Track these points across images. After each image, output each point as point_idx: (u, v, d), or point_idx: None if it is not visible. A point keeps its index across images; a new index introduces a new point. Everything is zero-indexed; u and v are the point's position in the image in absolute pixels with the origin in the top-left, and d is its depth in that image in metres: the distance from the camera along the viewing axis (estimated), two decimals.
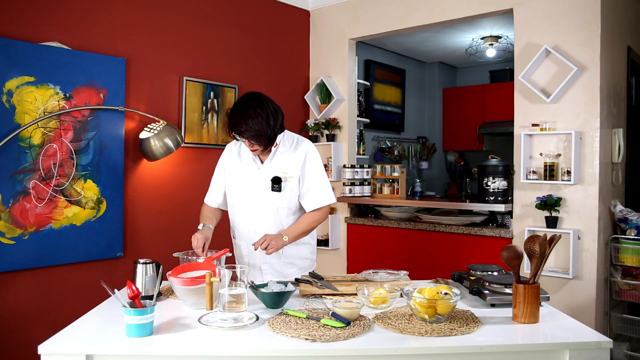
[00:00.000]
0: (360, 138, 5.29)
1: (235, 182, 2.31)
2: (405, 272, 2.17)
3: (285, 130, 2.31)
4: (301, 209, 2.33)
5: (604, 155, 3.18)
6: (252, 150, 2.20)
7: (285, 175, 2.24)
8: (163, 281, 2.08)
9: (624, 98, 3.67)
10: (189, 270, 1.90)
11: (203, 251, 2.09)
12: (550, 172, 3.18)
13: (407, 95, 6.63)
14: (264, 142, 2.15)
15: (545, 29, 3.28)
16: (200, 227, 2.24)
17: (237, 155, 2.34)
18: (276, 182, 2.22)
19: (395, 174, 4.17)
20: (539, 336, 1.59)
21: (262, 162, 2.28)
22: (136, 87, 3.30)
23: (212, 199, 2.40)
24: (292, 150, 2.28)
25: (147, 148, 3.19)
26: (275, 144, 2.23)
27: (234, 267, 1.66)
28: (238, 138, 2.17)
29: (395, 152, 6.24)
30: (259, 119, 2.08)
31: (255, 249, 2.12)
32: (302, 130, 4.46)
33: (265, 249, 2.09)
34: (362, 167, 4.28)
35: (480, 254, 3.47)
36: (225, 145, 2.46)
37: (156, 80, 3.42)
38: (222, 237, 2.56)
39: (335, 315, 1.59)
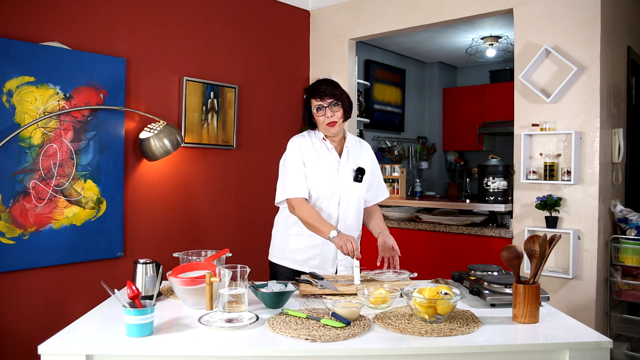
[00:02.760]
0: (361, 138, 5.29)
1: (321, 174, 2.30)
2: (409, 273, 2.18)
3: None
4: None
5: (604, 155, 3.18)
6: (330, 125, 2.24)
7: (362, 167, 2.37)
8: (163, 281, 2.08)
9: (624, 98, 3.67)
10: (189, 270, 1.90)
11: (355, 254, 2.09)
12: (550, 172, 3.18)
13: (407, 95, 6.63)
14: (346, 109, 2.27)
15: (545, 29, 3.28)
16: (334, 233, 2.10)
17: (311, 146, 2.33)
18: (361, 173, 2.34)
19: (395, 174, 4.17)
20: (539, 336, 1.59)
21: (339, 155, 2.36)
22: (136, 87, 3.30)
23: (301, 191, 2.25)
24: (359, 147, 2.44)
25: (147, 148, 3.19)
26: (346, 137, 2.38)
27: (234, 267, 1.66)
28: (316, 112, 2.25)
29: (395, 152, 6.24)
30: (339, 87, 2.29)
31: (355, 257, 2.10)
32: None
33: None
34: None
35: (480, 254, 3.47)
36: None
37: (156, 80, 3.42)
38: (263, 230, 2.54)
39: (335, 315, 1.59)
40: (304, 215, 2.20)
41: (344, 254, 2.10)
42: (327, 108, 2.23)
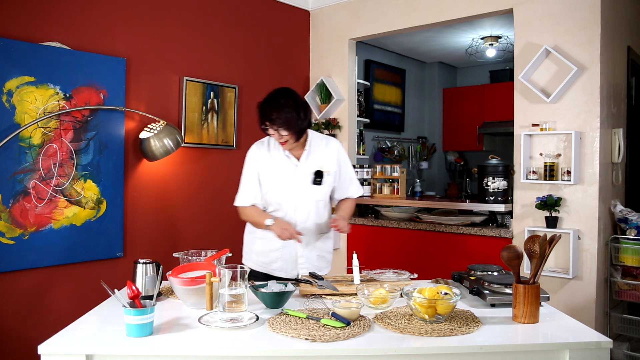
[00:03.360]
0: (360, 138, 5.29)
1: (274, 180, 2.35)
2: (410, 274, 2.17)
3: (312, 130, 2.43)
4: (329, 203, 2.47)
5: (604, 155, 3.18)
6: (281, 144, 2.25)
7: (322, 169, 2.36)
8: (163, 281, 2.08)
9: (624, 98, 3.67)
10: (189, 270, 1.90)
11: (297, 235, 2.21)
12: (550, 172, 3.18)
13: (407, 95, 6.63)
14: (295, 131, 2.22)
15: (545, 29, 3.28)
16: (270, 221, 2.26)
17: (267, 153, 2.38)
18: (319, 176, 2.33)
19: (395, 174, 4.17)
20: (539, 336, 1.59)
21: (297, 159, 2.35)
22: (136, 87, 3.30)
23: (248, 199, 2.38)
24: (325, 147, 2.40)
25: (147, 148, 3.19)
26: (308, 140, 2.34)
27: (234, 267, 1.66)
28: (268, 130, 2.23)
29: (395, 152, 6.23)
30: (289, 109, 2.19)
31: (339, 229, 2.25)
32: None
33: (343, 230, 2.27)
34: (362, 167, 4.28)
35: (480, 254, 3.47)
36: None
37: (156, 80, 3.42)
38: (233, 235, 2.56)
39: (335, 315, 1.59)
40: (246, 216, 2.39)
41: (284, 240, 2.23)
42: (276, 131, 2.22)
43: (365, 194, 4.24)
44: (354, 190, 2.50)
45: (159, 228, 3.43)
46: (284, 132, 2.21)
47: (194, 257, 2.04)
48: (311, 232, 2.37)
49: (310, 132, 2.40)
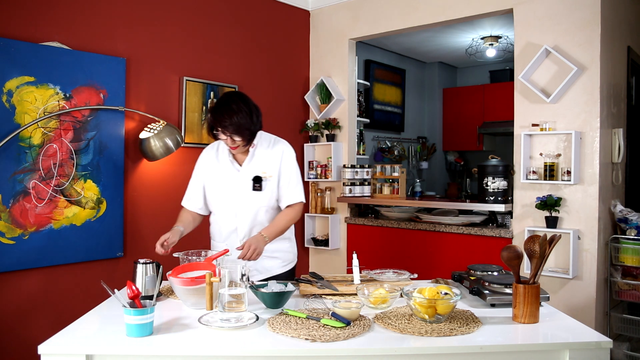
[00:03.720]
0: (360, 138, 5.29)
1: (216, 185, 2.33)
2: (410, 274, 2.17)
3: (262, 131, 2.36)
4: (277, 208, 2.38)
5: (604, 155, 3.18)
6: (232, 148, 2.22)
7: (265, 174, 2.29)
8: (163, 281, 2.08)
9: (624, 98, 3.67)
10: (189, 270, 1.90)
11: (162, 247, 2.09)
12: (550, 172, 3.18)
13: (407, 95, 6.63)
14: (247, 136, 2.19)
15: (545, 29, 3.28)
16: (180, 228, 2.26)
17: (215, 158, 2.36)
18: (257, 182, 2.27)
19: (395, 174, 4.17)
20: (539, 336, 1.59)
21: (240, 164, 2.31)
22: (136, 87, 3.30)
23: (191, 203, 2.41)
24: (269, 150, 2.33)
25: (147, 148, 3.19)
26: (253, 145, 2.28)
27: (234, 267, 1.66)
28: (219, 136, 2.19)
29: (395, 152, 6.24)
30: (243, 114, 2.15)
31: (243, 258, 2.07)
32: (302, 130, 4.46)
33: (250, 258, 2.08)
34: (362, 167, 4.28)
35: (480, 254, 3.47)
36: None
37: (156, 80, 3.42)
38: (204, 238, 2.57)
39: (335, 315, 1.59)
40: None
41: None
42: (228, 137, 2.17)
43: (365, 194, 4.25)
44: (291, 196, 2.32)
45: (159, 228, 3.40)
46: (237, 137, 2.16)
47: (194, 257, 2.04)
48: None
49: (260, 134, 2.32)
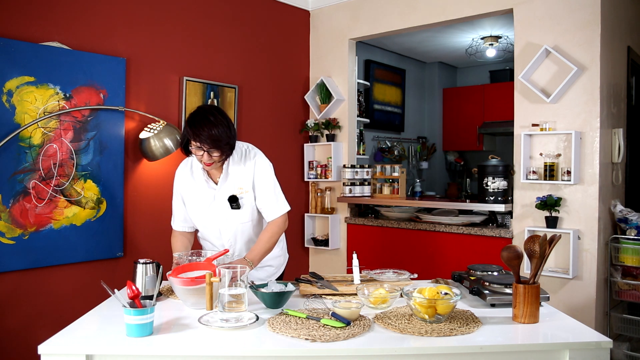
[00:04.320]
0: (360, 138, 5.29)
1: (195, 205, 2.25)
2: (410, 274, 2.17)
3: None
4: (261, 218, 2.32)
5: (604, 155, 3.18)
6: (207, 165, 2.10)
7: (241, 190, 2.20)
8: (163, 281, 2.08)
9: (624, 98, 3.67)
10: (189, 270, 1.90)
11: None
12: (550, 172, 3.18)
13: (407, 95, 6.63)
14: (226, 150, 2.08)
15: (545, 29, 3.28)
16: (176, 255, 2.13)
17: (190, 176, 2.26)
18: (234, 201, 2.18)
19: (395, 174, 4.17)
20: (539, 336, 1.59)
21: (215, 183, 2.21)
22: (136, 87, 3.30)
23: (179, 224, 2.35)
24: (242, 164, 2.22)
25: (147, 148, 3.19)
26: (226, 161, 2.18)
27: (234, 267, 1.66)
28: (195, 152, 2.07)
29: (395, 152, 6.24)
30: (221, 126, 2.04)
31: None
32: (302, 130, 4.46)
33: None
34: (362, 167, 4.28)
35: (480, 254, 3.47)
36: None
37: (156, 80, 3.42)
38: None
39: (335, 315, 1.59)
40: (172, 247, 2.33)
41: None
42: (205, 152, 2.05)
43: (365, 194, 4.25)
44: (272, 211, 2.22)
45: (159, 228, 3.43)
46: (216, 153, 2.05)
47: (194, 257, 2.04)
48: (242, 252, 2.28)
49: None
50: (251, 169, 2.21)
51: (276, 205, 2.23)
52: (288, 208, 2.28)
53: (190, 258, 2.04)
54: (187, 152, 2.15)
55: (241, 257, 2.19)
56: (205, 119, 2.04)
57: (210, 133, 2.02)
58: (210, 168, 2.15)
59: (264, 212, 2.24)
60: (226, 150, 2.09)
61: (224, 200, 2.20)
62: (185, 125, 2.09)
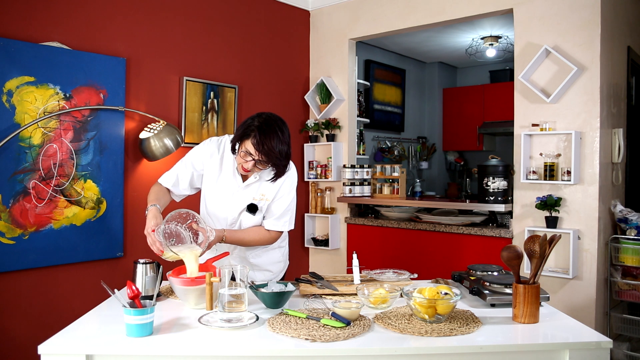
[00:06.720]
0: (360, 138, 5.29)
1: (215, 194, 2.18)
2: (410, 274, 2.17)
3: None
4: None
5: (604, 155, 3.18)
6: (246, 170, 2.03)
7: (262, 197, 2.15)
8: (163, 281, 2.08)
9: (624, 98, 3.67)
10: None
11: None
12: (550, 172, 3.18)
13: (407, 95, 6.63)
14: (280, 169, 2.04)
15: (545, 29, 3.28)
16: (149, 209, 2.07)
17: (218, 162, 2.17)
18: (252, 209, 2.14)
19: (395, 174, 4.17)
20: (539, 336, 1.59)
21: (243, 181, 2.15)
22: (136, 87, 3.30)
23: (169, 183, 2.20)
24: (272, 175, 2.14)
25: (147, 148, 3.19)
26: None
27: (234, 267, 1.66)
28: (244, 156, 1.99)
29: (395, 152, 6.24)
30: (286, 145, 1.99)
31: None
32: (302, 130, 4.46)
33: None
34: (362, 167, 4.28)
35: (480, 254, 3.47)
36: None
37: (156, 80, 3.42)
38: None
39: (335, 315, 1.59)
40: (150, 192, 2.18)
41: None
42: (255, 161, 1.98)
43: (365, 194, 4.25)
44: (274, 224, 2.17)
45: None
46: (263, 165, 2.00)
47: (179, 227, 2.02)
48: (242, 250, 2.24)
49: None
50: (279, 183, 2.15)
51: (278, 221, 2.18)
52: (287, 229, 2.22)
53: (176, 228, 1.97)
54: (234, 150, 2.05)
55: (240, 252, 2.19)
56: (274, 132, 1.95)
57: (275, 149, 1.94)
58: (244, 172, 2.07)
59: (267, 219, 2.19)
60: (280, 169, 2.04)
61: (243, 200, 2.14)
62: (247, 127, 1.98)
